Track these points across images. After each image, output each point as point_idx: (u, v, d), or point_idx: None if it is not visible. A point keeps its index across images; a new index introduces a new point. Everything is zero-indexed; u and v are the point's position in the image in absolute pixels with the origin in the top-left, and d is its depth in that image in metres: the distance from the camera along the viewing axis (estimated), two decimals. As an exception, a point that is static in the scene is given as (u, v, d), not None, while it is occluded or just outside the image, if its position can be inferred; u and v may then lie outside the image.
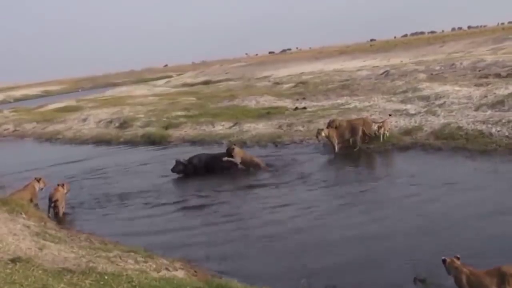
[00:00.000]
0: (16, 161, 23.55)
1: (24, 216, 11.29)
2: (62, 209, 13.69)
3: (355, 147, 17.73)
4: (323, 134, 17.66)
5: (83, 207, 14.62)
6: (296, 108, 26.36)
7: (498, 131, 15.86)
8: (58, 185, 14.15)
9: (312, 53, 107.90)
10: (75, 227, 12.65)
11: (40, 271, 7.42)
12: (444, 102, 21.67)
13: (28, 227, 10.48)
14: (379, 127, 17.64)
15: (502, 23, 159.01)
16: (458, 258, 7.22)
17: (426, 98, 23.26)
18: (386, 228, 10.48)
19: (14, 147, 30.74)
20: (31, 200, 13.83)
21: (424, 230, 10.07)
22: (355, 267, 8.94)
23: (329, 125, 18.19)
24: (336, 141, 17.70)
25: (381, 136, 17.52)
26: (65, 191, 14.23)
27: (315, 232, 10.77)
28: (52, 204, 13.54)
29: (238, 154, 16.89)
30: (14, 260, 7.75)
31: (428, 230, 10.06)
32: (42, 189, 14.48)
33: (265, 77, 57.03)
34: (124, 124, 29.75)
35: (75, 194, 15.52)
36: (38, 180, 14.53)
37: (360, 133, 17.71)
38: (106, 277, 7.49)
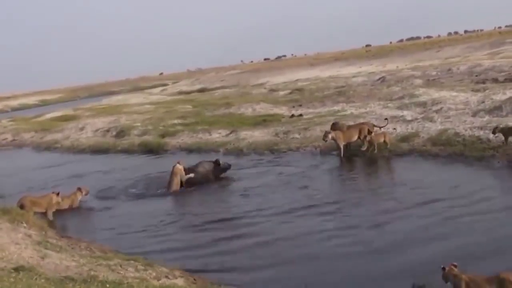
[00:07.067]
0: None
1: (25, 225, 11.35)
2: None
3: (364, 148, 17.75)
4: (330, 136, 17.71)
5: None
6: (293, 116, 26.45)
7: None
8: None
9: (307, 60, 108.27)
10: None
11: (42, 280, 7.47)
12: (441, 108, 21.72)
13: (30, 236, 10.54)
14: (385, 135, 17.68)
15: (499, 27, 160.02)
16: (455, 266, 7.29)
17: (422, 104, 23.32)
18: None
19: (11, 157, 30.69)
20: (46, 211, 14.10)
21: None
22: (356, 280, 8.91)
23: (333, 127, 18.35)
24: (342, 143, 17.75)
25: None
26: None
27: (319, 247, 10.51)
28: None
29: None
30: (17, 269, 7.81)
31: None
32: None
33: (261, 84, 57.06)
34: (121, 132, 29.68)
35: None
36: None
37: (366, 133, 17.74)
38: (107, 285, 7.55)
